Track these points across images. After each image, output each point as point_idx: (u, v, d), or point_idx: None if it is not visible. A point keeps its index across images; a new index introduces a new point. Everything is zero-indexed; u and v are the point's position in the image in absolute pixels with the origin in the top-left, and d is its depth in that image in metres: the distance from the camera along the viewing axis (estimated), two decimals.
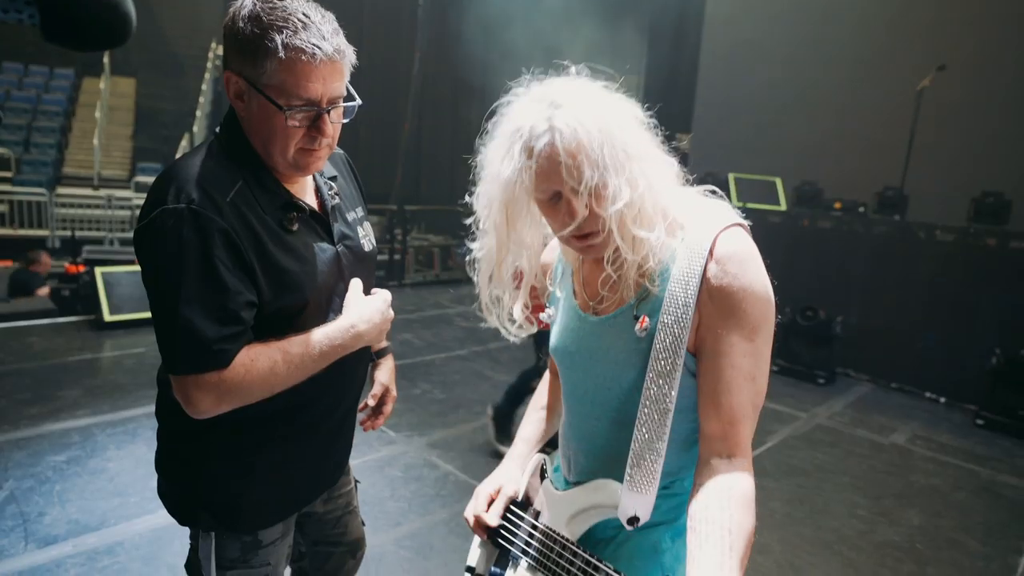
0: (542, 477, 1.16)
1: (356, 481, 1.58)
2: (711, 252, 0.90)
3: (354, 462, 3.30)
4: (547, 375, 1.34)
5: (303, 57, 1.00)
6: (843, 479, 3.49)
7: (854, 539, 2.90)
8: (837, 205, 5.66)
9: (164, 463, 1.23)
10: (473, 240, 1.08)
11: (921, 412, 4.69)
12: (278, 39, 0.99)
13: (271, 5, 1.01)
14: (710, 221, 0.94)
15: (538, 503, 1.13)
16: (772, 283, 0.93)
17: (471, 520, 1.15)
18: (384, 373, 1.55)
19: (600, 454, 1.05)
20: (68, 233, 7.76)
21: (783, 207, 6.09)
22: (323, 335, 1.12)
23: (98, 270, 5.34)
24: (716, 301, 0.89)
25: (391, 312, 1.28)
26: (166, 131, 12.08)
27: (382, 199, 9.88)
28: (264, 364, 1.05)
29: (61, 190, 9.40)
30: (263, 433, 1.19)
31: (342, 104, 1.10)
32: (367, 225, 1.36)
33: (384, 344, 1.58)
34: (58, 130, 11.04)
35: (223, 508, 1.20)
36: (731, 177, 6.20)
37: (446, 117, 11.75)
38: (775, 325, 0.93)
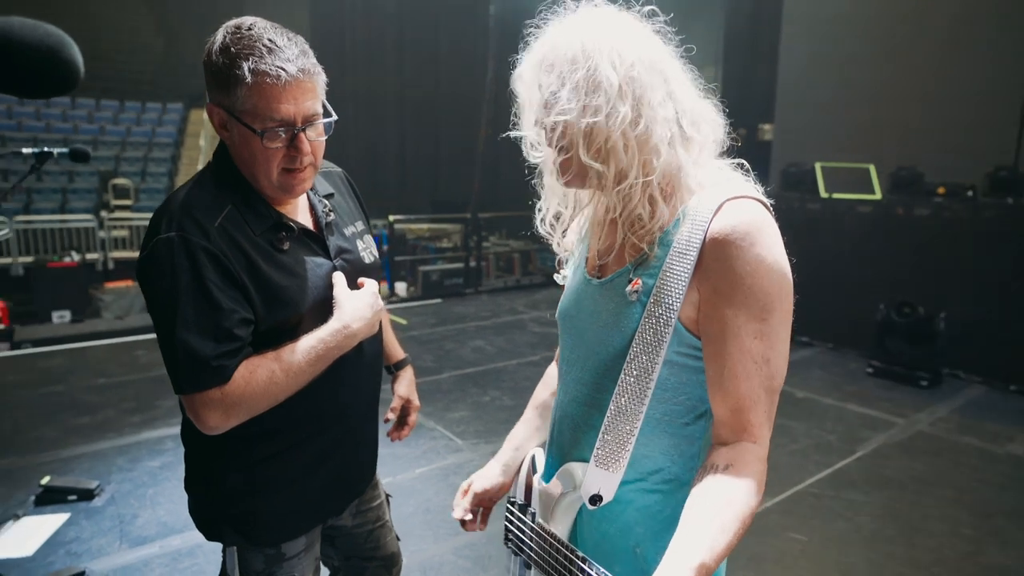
0: (535, 471, 1.15)
1: (388, 495, 1.59)
2: (712, 222, 0.85)
3: (419, 470, 3.34)
4: (550, 368, 1.31)
5: (268, 80, 1.04)
6: (945, 493, 3.16)
7: (956, 561, 2.61)
8: (940, 190, 5.15)
9: (190, 482, 1.29)
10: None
11: None
12: (245, 66, 1.03)
13: (238, 35, 1.06)
14: (721, 190, 0.88)
15: (533, 501, 1.12)
16: (791, 261, 0.86)
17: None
18: (403, 385, 1.57)
19: (577, 430, 1.01)
20: None
21: (878, 195, 5.63)
22: (317, 339, 1.14)
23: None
24: (716, 277, 0.84)
25: (380, 302, 1.29)
26: None
27: (461, 207, 10.06)
28: (262, 375, 1.09)
29: None
30: (275, 445, 1.22)
31: (319, 122, 1.13)
32: (368, 239, 1.39)
33: (402, 356, 1.60)
34: (169, 159, 12.07)
35: (244, 522, 1.24)
36: (817, 167, 5.81)
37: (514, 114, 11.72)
38: (792, 304, 0.87)
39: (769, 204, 0.89)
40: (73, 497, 2.98)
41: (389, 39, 11.35)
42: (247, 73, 1.03)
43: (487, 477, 1.20)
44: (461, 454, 3.55)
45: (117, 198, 10.41)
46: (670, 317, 0.86)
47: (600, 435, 0.90)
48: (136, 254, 8.89)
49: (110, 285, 8.23)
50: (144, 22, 16.17)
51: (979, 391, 4.66)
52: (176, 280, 1.05)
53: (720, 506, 0.79)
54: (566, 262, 1.16)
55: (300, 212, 1.25)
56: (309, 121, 1.10)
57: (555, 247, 1.14)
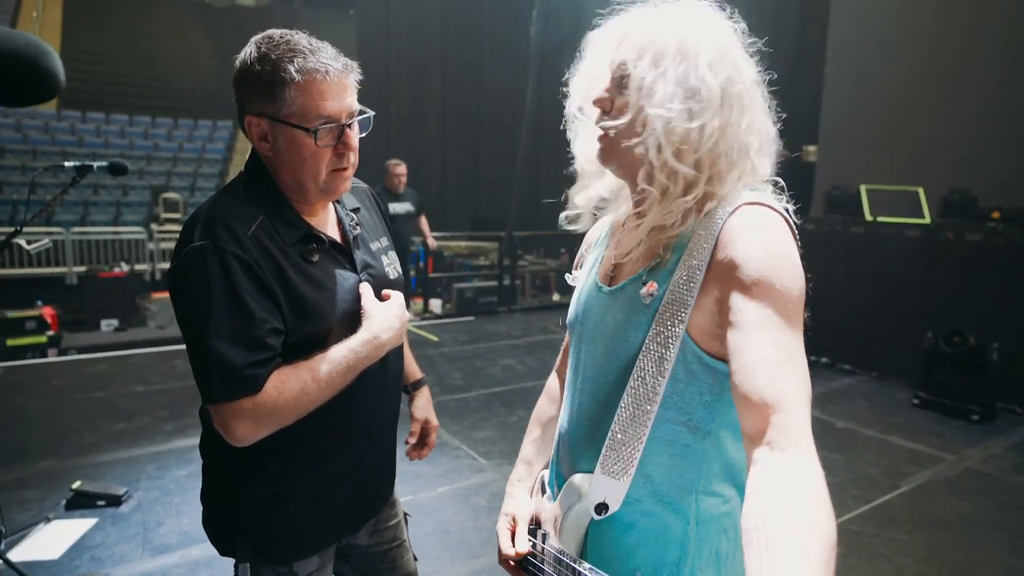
0: (543, 490, 1.11)
1: (406, 515, 1.56)
2: (726, 223, 0.82)
3: (441, 489, 3.31)
4: (551, 380, 1.29)
5: (318, 77, 1.07)
6: (997, 536, 2.95)
7: None
8: (995, 215, 4.91)
9: (207, 494, 1.28)
10: None
11: None
12: (291, 68, 1.06)
13: (274, 43, 1.09)
14: (735, 198, 0.85)
15: (542, 522, 1.07)
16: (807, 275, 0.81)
17: (506, 564, 1.08)
18: (420, 408, 1.55)
19: (584, 441, 0.97)
20: None
21: (927, 219, 5.40)
22: (348, 349, 1.13)
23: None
24: (732, 273, 0.80)
25: (407, 313, 1.29)
26: None
27: (500, 225, 10.10)
28: (294, 385, 1.07)
29: None
30: (296, 460, 1.20)
31: (361, 117, 1.15)
32: (392, 255, 1.38)
33: (419, 376, 1.58)
34: (217, 175, 12.53)
35: (258, 537, 1.23)
36: (862, 189, 5.62)
37: (561, 143, 11.78)
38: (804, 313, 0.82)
39: (792, 221, 0.86)
40: (102, 502, 3.04)
41: (433, 59, 11.57)
42: (295, 73, 1.05)
43: (525, 505, 1.13)
44: (484, 474, 3.50)
45: (167, 211, 10.82)
46: (682, 320, 0.83)
47: (607, 441, 0.87)
48: None
49: (156, 295, 8.52)
50: (200, 43, 16.91)
51: None
52: (209, 288, 1.04)
53: (808, 538, 0.63)
54: (580, 262, 1.13)
55: (329, 225, 1.25)
56: (351, 117, 1.13)
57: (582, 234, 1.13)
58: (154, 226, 10.07)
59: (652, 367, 0.85)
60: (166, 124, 13.75)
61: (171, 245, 10.08)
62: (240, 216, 1.10)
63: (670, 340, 0.84)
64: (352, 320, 1.19)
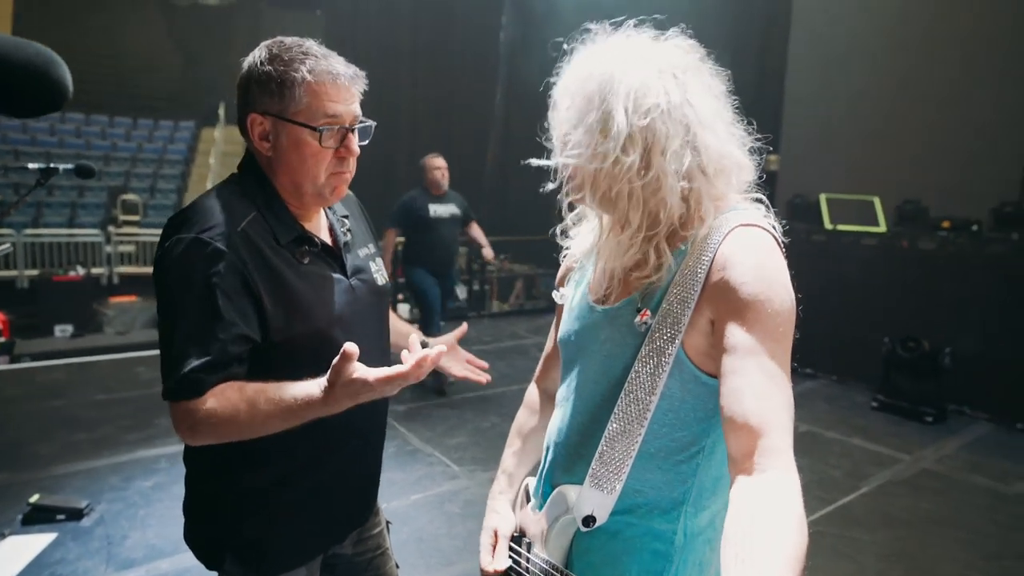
0: (527, 501, 1.13)
1: (388, 523, 1.56)
2: (720, 247, 0.84)
3: (414, 497, 3.28)
4: (530, 391, 1.29)
5: (328, 80, 1.10)
6: (954, 533, 3.08)
7: None
8: (945, 224, 5.13)
9: (190, 506, 1.26)
10: None
11: None
12: (303, 68, 1.09)
13: (286, 46, 1.12)
14: (732, 217, 0.87)
15: (527, 532, 1.09)
16: (796, 293, 0.84)
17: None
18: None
19: (573, 454, 0.99)
20: None
21: (883, 228, 5.61)
22: (295, 398, 1.01)
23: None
24: (727, 297, 0.82)
25: (370, 392, 1.10)
26: None
27: None
28: (227, 408, 1.02)
29: None
30: (283, 469, 1.19)
31: (363, 125, 1.17)
32: (379, 261, 1.39)
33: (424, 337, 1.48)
34: (179, 176, 12.21)
35: (246, 550, 1.21)
36: (822, 198, 5.80)
37: (530, 148, 11.86)
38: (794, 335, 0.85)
39: (781, 239, 0.88)
40: (62, 517, 2.93)
41: (402, 62, 11.52)
42: (306, 73, 1.08)
43: (507, 519, 1.14)
44: (457, 481, 3.50)
45: (125, 213, 10.50)
46: (674, 341, 0.85)
47: (596, 455, 0.89)
48: (143, 269, 8.90)
49: (114, 300, 8.26)
50: (162, 41, 16.48)
51: (986, 428, 4.58)
52: (185, 282, 1.04)
53: (776, 546, 0.67)
54: (567, 279, 1.14)
55: (321, 230, 1.25)
56: (356, 123, 1.15)
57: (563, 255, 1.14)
58: (111, 228, 9.75)
59: (644, 385, 0.86)
60: (125, 123, 13.33)
61: (130, 248, 9.78)
62: (232, 211, 1.10)
63: (663, 360, 0.85)
64: (342, 324, 1.18)
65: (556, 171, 0.95)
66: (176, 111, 14.24)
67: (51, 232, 9.26)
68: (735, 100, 0.96)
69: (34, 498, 2.96)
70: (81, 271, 8.29)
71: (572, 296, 1.09)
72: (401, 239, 5.06)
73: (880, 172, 6.09)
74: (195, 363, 1.02)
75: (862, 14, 6.62)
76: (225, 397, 1.04)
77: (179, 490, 3.29)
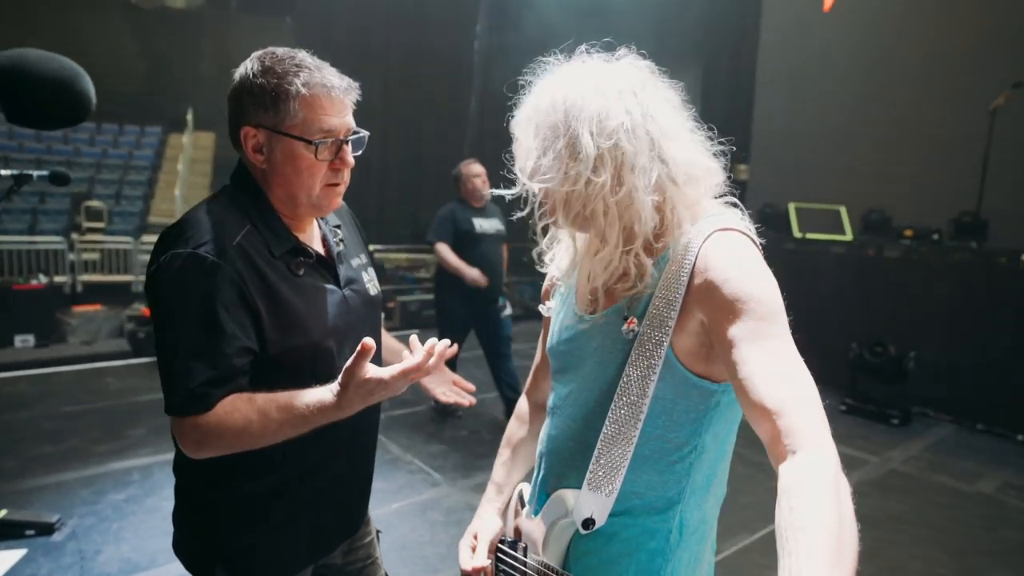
0: (522, 507, 1.15)
1: (378, 532, 1.56)
2: (700, 251, 0.87)
3: (396, 505, 3.26)
4: (521, 403, 1.30)
5: (323, 92, 1.10)
6: (921, 532, 3.19)
7: None
8: (908, 233, 5.33)
9: (181, 516, 1.25)
10: None
11: (1013, 456, 4.26)
12: (298, 81, 1.08)
13: (279, 58, 1.11)
14: (710, 222, 0.90)
15: (524, 537, 1.11)
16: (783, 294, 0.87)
17: None
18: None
19: (568, 460, 1.01)
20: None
21: (849, 236, 5.79)
22: (306, 404, 1.02)
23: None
24: (714, 297, 0.84)
25: (383, 392, 1.15)
26: None
27: None
28: (238, 419, 1.03)
29: (146, 238, 10.11)
30: (278, 479, 1.19)
31: (358, 136, 1.18)
32: (371, 271, 1.39)
33: None
34: (145, 183, 11.92)
35: (238, 561, 1.20)
36: (791, 207, 5.97)
37: (507, 157, 11.90)
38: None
39: (758, 242, 0.93)
40: (31, 532, 2.85)
41: (374, 69, 11.48)
42: (300, 87, 1.08)
43: (491, 526, 1.16)
44: (439, 489, 3.49)
45: (89, 220, 10.22)
46: (660, 348, 0.88)
47: (594, 459, 0.91)
48: (108, 277, 8.64)
49: (78, 309, 8.02)
50: (127, 45, 16.14)
51: (948, 430, 4.76)
52: (184, 297, 1.03)
53: (825, 534, 0.64)
54: (552, 292, 1.16)
55: (314, 240, 1.25)
56: (350, 135, 1.15)
57: (546, 267, 1.15)
58: (75, 236, 9.48)
59: (636, 389, 0.89)
60: (88, 128, 12.96)
61: (94, 256, 9.52)
62: (227, 225, 1.09)
63: (653, 363, 0.88)
64: (336, 336, 1.19)
65: (525, 198, 0.99)
66: (142, 116, 13.93)
67: (11, 239, 8.97)
68: (706, 111, 1.00)
69: (1, 513, 2.86)
70: (43, 279, 8.04)
71: (559, 308, 1.11)
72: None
73: (846, 182, 6.30)
74: (201, 377, 1.02)
75: (828, 32, 6.86)
76: (235, 408, 1.04)
77: (154, 502, 3.23)
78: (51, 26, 14.61)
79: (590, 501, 0.91)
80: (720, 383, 0.91)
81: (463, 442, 4.16)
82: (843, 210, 5.94)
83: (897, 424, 4.73)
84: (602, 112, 0.88)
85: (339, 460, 1.27)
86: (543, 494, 1.07)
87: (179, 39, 15.98)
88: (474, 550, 1.12)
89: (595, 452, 0.91)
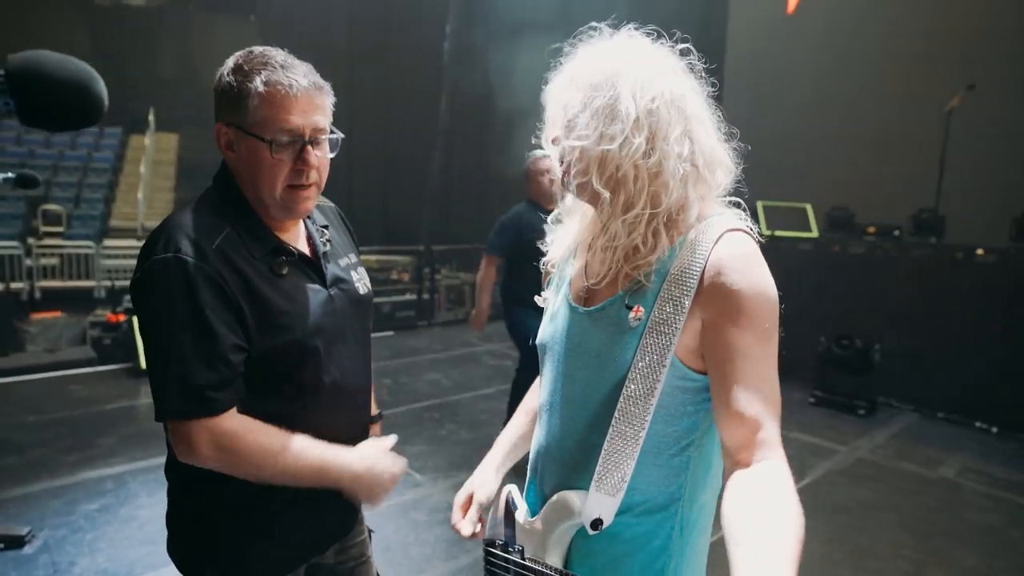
0: (512, 509, 1.12)
1: (370, 531, 1.56)
2: (712, 251, 0.88)
3: (378, 507, 3.24)
4: (538, 382, 1.30)
5: (281, 90, 1.08)
6: (888, 516, 3.31)
7: None
8: (871, 230, 5.52)
9: (173, 519, 1.24)
10: None
11: (971, 443, 4.45)
12: (258, 79, 1.08)
13: (251, 56, 1.12)
14: (719, 222, 0.92)
15: (519, 538, 1.10)
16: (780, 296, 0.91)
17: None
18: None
19: (570, 460, 1.00)
20: (112, 283, 8.08)
21: (815, 233, 5.97)
22: (328, 462, 1.16)
23: (135, 318, 5.52)
24: (721, 301, 0.86)
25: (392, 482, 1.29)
26: (207, 181, 12.45)
27: (412, 239, 10.02)
28: (264, 440, 1.09)
29: (108, 242, 9.83)
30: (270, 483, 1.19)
31: (326, 137, 1.16)
32: (361, 271, 1.39)
33: (376, 411, 1.54)
34: (106, 185, 11.57)
35: (230, 562, 1.20)
36: (760, 205, 6.11)
37: (474, 156, 11.97)
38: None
39: (757, 238, 0.95)
40: (0, 545, 2.76)
41: (340, 68, 11.37)
42: (260, 84, 1.07)
43: (487, 484, 1.18)
44: (421, 489, 3.49)
45: (47, 224, 9.90)
46: (670, 343, 0.88)
47: (600, 460, 0.91)
48: (67, 283, 8.37)
49: (37, 316, 7.75)
50: (83, 42, 15.65)
51: (911, 418, 4.94)
52: (172, 301, 1.04)
53: (780, 526, 0.74)
54: (547, 282, 1.17)
55: (299, 240, 1.25)
56: (317, 135, 1.13)
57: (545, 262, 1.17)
58: (32, 240, 9.17)
59: (642, 388, 0.89)
60: None
61: (53, 261, 9.21)
62: (205, 229, 1.10)
63: (660, 363, 0.88)
64: (321, 336, 1.19)
65: (561, 157, 0.99)
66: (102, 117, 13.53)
67: None
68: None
69: None
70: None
71: (553, 300, 1.11)
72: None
73: (811, 181, 6.48)
74: (202, 380, 1.03)
75: (793, 35, 7.05)
76: (257, 429, 1.09)
77: (129, 512, 3.17)
78: (2, 24, 14.10)
79: (598, 502, 0.91)
80: None
81: (442, 441, 4.17)
82: (809, 208, 6.11)
83: (863, 415, 4.89)
84: (645, 79, 0.90)
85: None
86: (540, 496, 1.06)
87: (137, 38, 15.57)
88: (465, 512, 1.16)
89: (602, 451, 0.91)
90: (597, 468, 0.91)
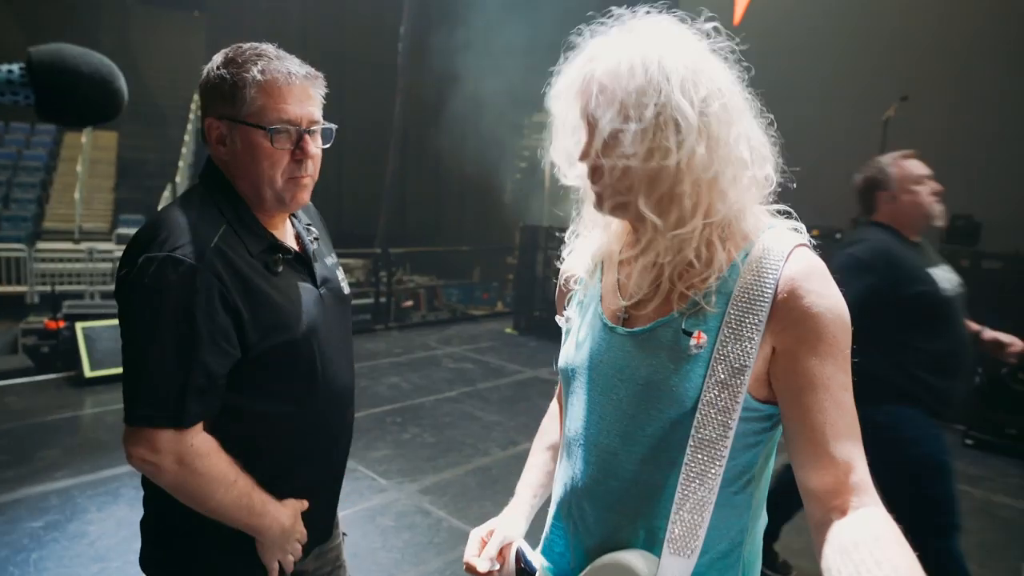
0: (523, 569, 0.98)
1: (344, 534, 1.55)
2: (784, 269, 0.78)
3: (343, 513, 3.21)
4: (553, 405, 1.20)
5: (280, 78, 1.08)
6: None
7: None
8: (815, 232, 5.72)
9: (151, 530, 1.20)
10: None
11: None
12: (254, 69, 1.07)
13: (242, 50, 1.11)
14: (779, 237, 0.82)
15: None
16: None
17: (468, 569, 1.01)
18: None
19: (619, 505, 0.86)
20: (48, 288, 7.67)
21: None
22: (257, 513, 1.11)
23: (79, 325, 5.26)
24: (799, 326, 0.77)
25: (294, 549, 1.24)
26: (149, 182, 12.08)
27: (367, 242, 9.89)
28: (223, 469, 1.06)
29: (41, 245, 9.32)
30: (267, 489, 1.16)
31: (321, 127, 1.15)
32: (341, 270, 1.39)
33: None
34: (39, 185, 10.99)
35: (208, 570, 1.18)
36: None
37: (430, 159, 11.91)
38: None
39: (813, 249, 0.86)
40: None
41: None
42: (257, 74, 1.06)
43: (514, 526, 1.04)
44: (386, 494, 3.45)
45: None
46: (743, 377, 0.78)
47: (673, 514, 0.79)
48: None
49: None
50: (12, 34, 14.82)
51: None
52: (163, 302, 1.00)
53: None
54: (568, 299, 1.02)
55: (288, 238, 1.23)
56: (312, 126, 1.13)
57: (561, 275, 1.05)
58: None
59: (715, 430, 0.78)
60: None
61: None
62: (203, 226, 1.07)
63: (734, 400, 0.78)
64: (315, 335, 1.18)
65: (591, 175, 0.86)
66: (31, 112, 12.83)
67: None
68: None
69: None
70: None
71: (580, 319, 0.96)
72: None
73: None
74: (176, 389, 1.00)
75: (738, 44, 7.28)
76: (221, 456, 1.06)
77: (78, 527, 3.04)
78: None
79: (674, 566, 0.78)
80: (777, 405, 0.83)
81: (405, 445, 4.13)
82: None
83: None
84: (693, 76, 0.79)
85: (313, 466, 1.26)
86: (573, 546, 0.92)
87: (73, 28, 14.83)
88: (484, 545, 1.02)
89: (674, 505, 0.79)
90: (668, 525, 0.79)
